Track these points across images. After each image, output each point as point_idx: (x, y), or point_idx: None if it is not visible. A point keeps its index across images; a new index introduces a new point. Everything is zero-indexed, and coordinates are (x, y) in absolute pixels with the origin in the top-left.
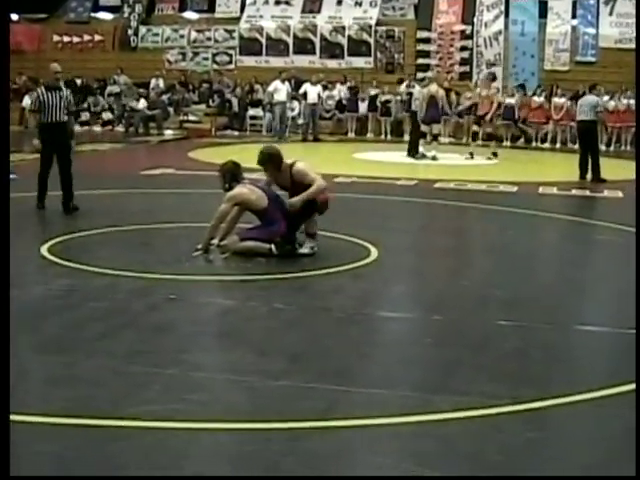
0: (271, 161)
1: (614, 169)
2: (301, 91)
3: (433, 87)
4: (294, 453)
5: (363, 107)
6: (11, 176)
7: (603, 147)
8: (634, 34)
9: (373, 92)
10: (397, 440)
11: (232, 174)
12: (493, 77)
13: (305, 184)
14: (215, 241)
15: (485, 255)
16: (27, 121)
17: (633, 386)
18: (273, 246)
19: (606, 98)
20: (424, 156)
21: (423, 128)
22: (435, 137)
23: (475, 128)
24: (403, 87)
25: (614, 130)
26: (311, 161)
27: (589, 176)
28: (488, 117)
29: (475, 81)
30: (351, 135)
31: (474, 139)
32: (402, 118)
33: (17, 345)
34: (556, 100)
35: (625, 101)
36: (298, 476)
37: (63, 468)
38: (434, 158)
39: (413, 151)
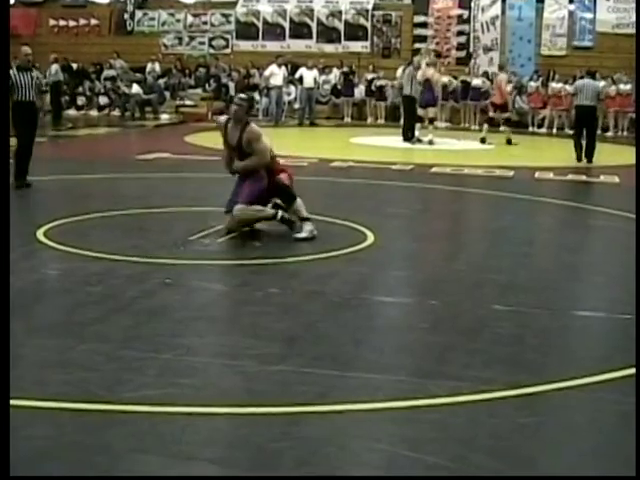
0: (247, 106)
1: (611, 154)
2: (297, 75)
3: (429, 71)
4: (289, 438)
5: (358, 92)
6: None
7: (599, 132)
8: (631, 19)
9: (370, 76)
10: (392, 424)
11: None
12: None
13: (249, 150)
14: None
15: (481, 240)
16: None
17: (628, 371)
18: (279, 212)
19: (602, 83)
20: (420, 140)
21: (420, 112)
22: (431, 121)
23: (492, 114)
24: (399, 72)
25: (615, 115)
26: (308, 146)
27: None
28: (510, 107)
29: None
30: (347, 120)
31: (490, 124)
32: (398, 103)
33: (12, 329)
34: (553, 85)
35: (623, 86)
36: (299, 476)
37: (57, 452)
38: (431, 142)
39: (409, 134)
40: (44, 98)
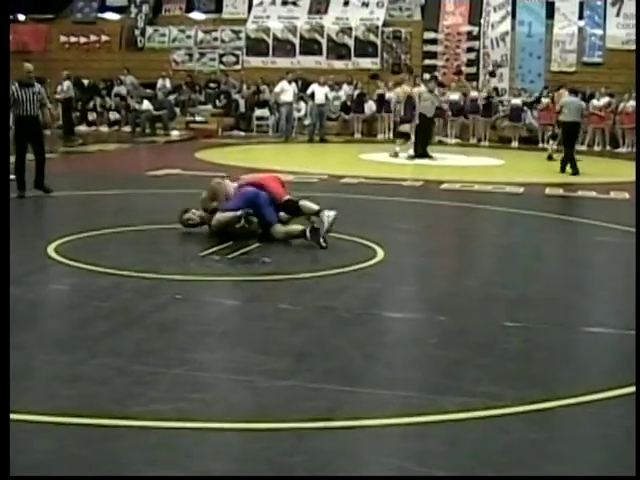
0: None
1: (621, 170)
2: (309, 91)
3: (407, 88)
4: (299, 453)
5: (368, 107)
6: (12, 177)
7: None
8: None
9: (380, 91)
10: (402, 440)
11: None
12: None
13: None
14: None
15: (490, 256)
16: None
17: (636, 388)
18: (240, 212)
19: (605, 99)
20: (397, 155)
21: (401, 127)
22: (405, 135)
23: (556, 130)
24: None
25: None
26: (318, 162)
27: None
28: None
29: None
30: (357, 136)
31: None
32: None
33: (22, 343)
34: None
35: (631, 103)
36: (301, 476)
37: (67, 467)
38: (396, 155)
39: (420, 151)
40: (46, 113)
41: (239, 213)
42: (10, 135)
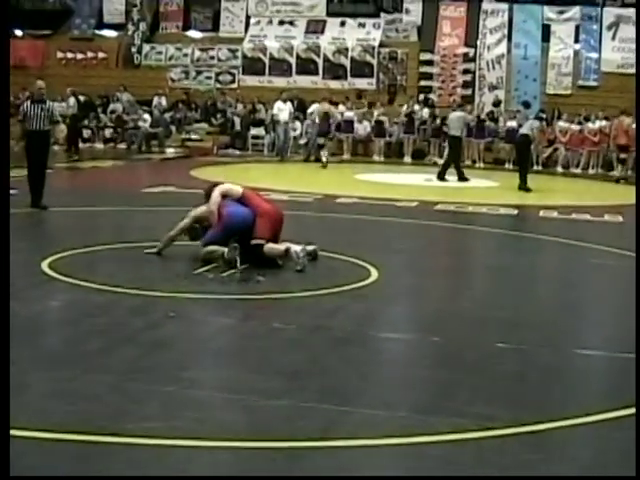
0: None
1: (616, 194)
2: (310, 110)
3: (326, 105)
4: (292, 472)
5: (361, 128)
6: (12, 191)
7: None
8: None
9: (377, 116)
10: (396, 460)
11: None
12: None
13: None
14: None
15: (484, 277)
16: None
17: (630, 410)
18: (227, 250)
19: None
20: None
21: (319, 140)
22: (322, 147)
23: (623, 155)
24: (404, 109)
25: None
26: (313, 181)
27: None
28: (631, 148)
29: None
30: (346, 157)
31: (623, 163)
32: (402, 139)
33: (16, 359)
34: (561, 124)
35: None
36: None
37: None
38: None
39: (461, 175)
40: (56, 129)
41: (226, 254)
42: (17, 149)
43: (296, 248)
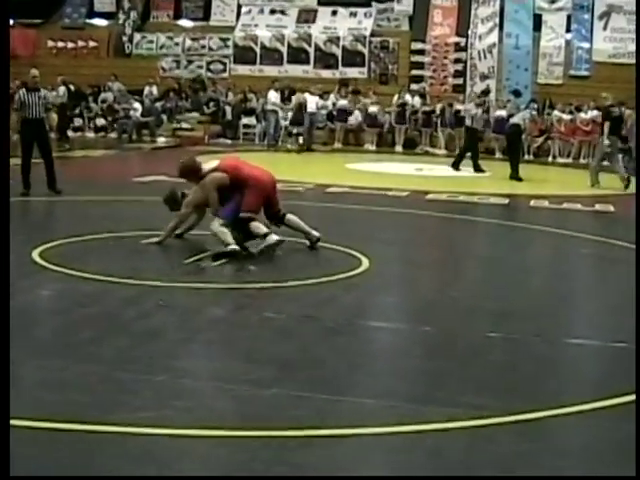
0: (192, 173)
1: (607, 183)
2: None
3: (302, 96)
4: (283, 462)
5: (352, 118)
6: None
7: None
8: (628, 49)
9: (371, 107)
10: (386, 450)
11: (173, 201)
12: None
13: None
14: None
15: (475, 267)
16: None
17: (621, 399)
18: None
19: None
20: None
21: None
22: (298, 135)
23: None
24: (395, 99)
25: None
26: (304, 171)
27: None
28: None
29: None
30: (337, 145)
31: None
32: (394, 129)
33: None
34: (556, 113)
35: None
36: (299, 476)
37: (50, 473)
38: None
39: (475, 165)
40: (50, 116)
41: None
42: (15, 138)
43: (273, 238)
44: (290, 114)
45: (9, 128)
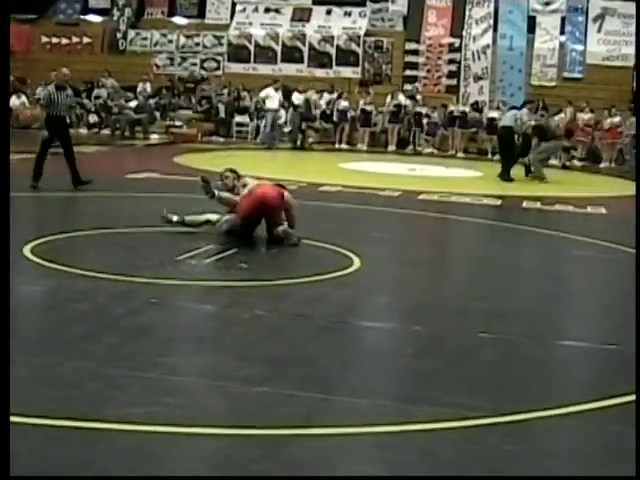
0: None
1: (599, 186)
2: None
3: (308, 93)
4: (272, 460)
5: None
6: None
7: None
8: (622, 52)
9: (362, 106)
10: (376, 449)
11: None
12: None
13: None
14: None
15: (467, 267)
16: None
17: (611, 401)
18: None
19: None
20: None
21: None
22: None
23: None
24: (389, 99)
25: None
26: (297, 169)
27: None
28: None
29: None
30: (336, 145)
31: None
32: (387, 129)
33: None
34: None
35: (613, 119)
36: (297, 476)
37: (40, 469)
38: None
39: (505, 174)
40: (71, 112)
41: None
42: (45, 134)
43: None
44: (287, 114)
45: (9, 126)
